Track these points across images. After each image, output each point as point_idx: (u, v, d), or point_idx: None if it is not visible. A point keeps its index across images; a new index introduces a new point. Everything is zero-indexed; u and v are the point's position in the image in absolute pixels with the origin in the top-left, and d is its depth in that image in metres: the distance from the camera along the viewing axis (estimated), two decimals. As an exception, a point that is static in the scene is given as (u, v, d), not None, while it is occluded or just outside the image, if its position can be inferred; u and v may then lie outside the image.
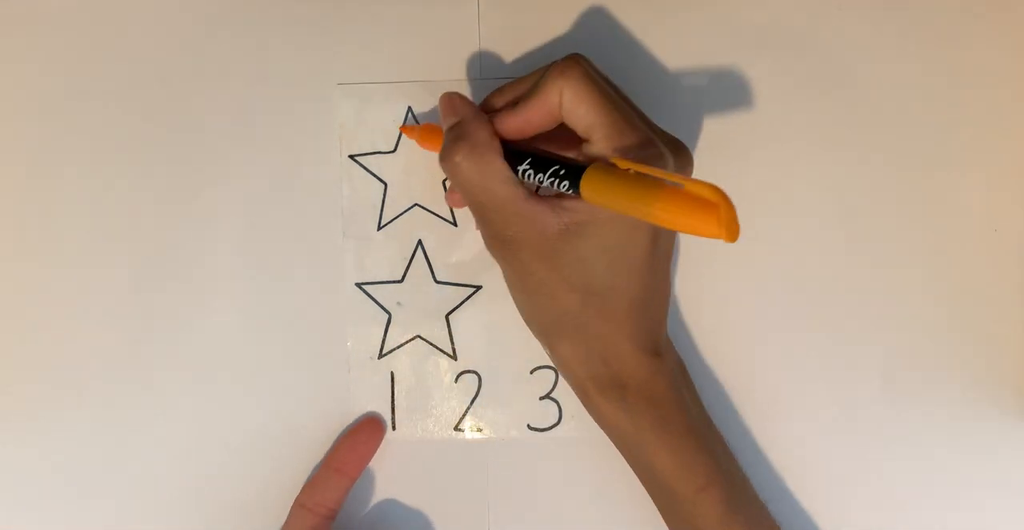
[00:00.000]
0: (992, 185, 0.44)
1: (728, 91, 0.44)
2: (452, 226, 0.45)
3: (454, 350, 0.45)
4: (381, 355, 0.45)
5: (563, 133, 0.38)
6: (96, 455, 0.45)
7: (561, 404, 0.44)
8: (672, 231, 0.40)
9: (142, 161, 0.45)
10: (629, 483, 0.41)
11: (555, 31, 0.45)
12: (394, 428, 0.44)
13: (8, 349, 0.45)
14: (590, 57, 0.38)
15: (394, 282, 0.45)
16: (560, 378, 0.44)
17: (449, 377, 0.45)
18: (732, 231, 0.30)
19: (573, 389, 0.41)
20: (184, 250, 0.45)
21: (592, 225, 0.37)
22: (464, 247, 0.44)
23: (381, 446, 0.44)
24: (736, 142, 0.44)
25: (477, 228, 0.40)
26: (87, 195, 0.45)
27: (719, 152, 0.44)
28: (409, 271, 0.45)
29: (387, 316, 0.45)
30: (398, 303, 0.45)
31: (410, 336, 0.45)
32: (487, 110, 0.40)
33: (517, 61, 0.44)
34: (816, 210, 0.44)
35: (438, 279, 0.45)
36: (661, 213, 0.31)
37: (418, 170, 0.45)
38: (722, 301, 0.44)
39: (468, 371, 0.45)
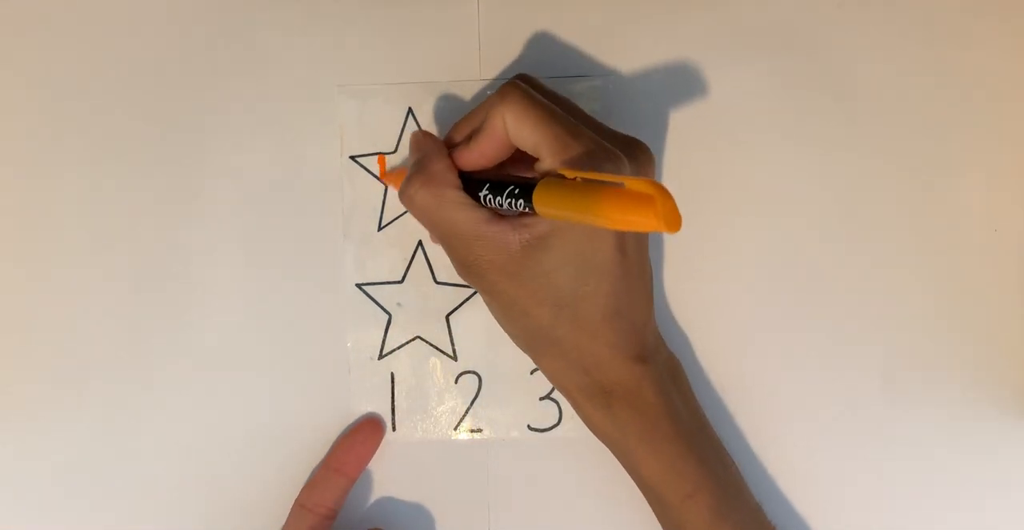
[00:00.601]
0: (992, 185, 0.44)
1: (727, 91, 0.44)
2: (452, 226, 0.44)
3: (454, 351, 0.45)
4: (381, 356, 0.44)
5: (530, 156, 0.38)
6: (96, 455, 0.45)
7: (561, 404, 0.44)
8: (643, 234, 0.40)
9: (142, 161, 0.45)
10: (629, 484, 0.41)
11: (555, 31, 0.44)
12: (394, 429, 0.44)
13: (8, 349, 0.45)
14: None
15: (394, 283, 0.45)
16: (560, 378, 0.44)
17: (449, 378, 0.45)
18: (671, 222, 0.31)
19: (564, 397, 0.41)
20: (184, 250, 0.45)
21: (553, 237, 0.37)
22: (464, 247, 0.44)
23: (381, 446, 0.44)
24: (736, 141, 0.44)
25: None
26: (87, 195, 0.45)
27: (718, 151, 0.44)
28: (409, 272, 0.45)
29: (387, 317, 0.45)
30: (398, 304, 0.45)
31: (410, 337, 0.45)
32: (449, 145, 0.40)
33: (517, 61, 0.44)
34: (816, 210, 0.44)
35: (438, 280, 0.45)
36: (606, 213, 0.31)
37: (418, 170, 0.44)
38: (721, 301, 0.44)
39: (468, 371, 0.45)
